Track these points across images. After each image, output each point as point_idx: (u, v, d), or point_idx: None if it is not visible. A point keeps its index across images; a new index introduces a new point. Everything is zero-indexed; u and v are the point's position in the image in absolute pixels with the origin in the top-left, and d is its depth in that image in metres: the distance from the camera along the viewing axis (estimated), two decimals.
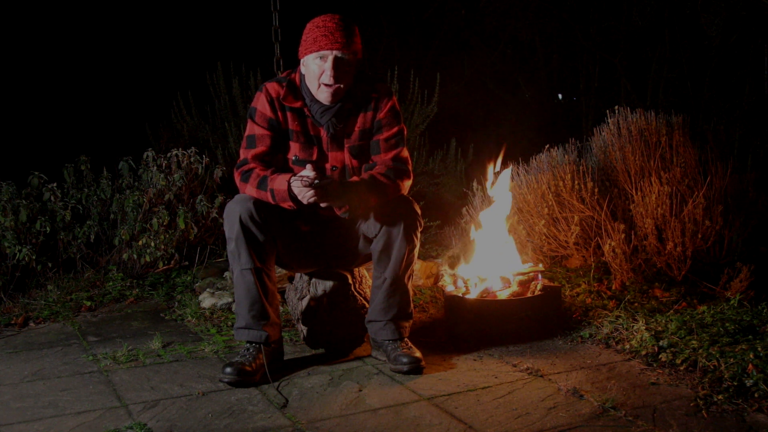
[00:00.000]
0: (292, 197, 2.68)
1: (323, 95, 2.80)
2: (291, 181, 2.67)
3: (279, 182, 2.70)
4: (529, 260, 3.59)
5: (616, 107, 4.11)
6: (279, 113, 2.86)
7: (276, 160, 2.87)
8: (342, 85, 2.79)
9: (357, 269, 3.14)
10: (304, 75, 2.85)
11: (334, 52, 2.73)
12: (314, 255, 2.98)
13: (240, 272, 2.76)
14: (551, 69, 8.66)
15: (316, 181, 2.61)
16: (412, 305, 2.95)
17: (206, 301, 3.78)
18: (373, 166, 2.90)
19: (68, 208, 4.30)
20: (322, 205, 2.70)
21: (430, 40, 8.50)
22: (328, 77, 2.75)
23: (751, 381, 2.46)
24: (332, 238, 2.97)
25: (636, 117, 4.02)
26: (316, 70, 2.77)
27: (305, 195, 2.64)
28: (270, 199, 2.73)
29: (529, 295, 3.26)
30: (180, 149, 4.65)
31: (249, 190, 2.78)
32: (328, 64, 2.74)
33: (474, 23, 8.28)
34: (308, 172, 2.64)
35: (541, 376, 2.74)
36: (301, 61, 2.84)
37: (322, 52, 2.74)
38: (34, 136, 6.75)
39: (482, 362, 2.92)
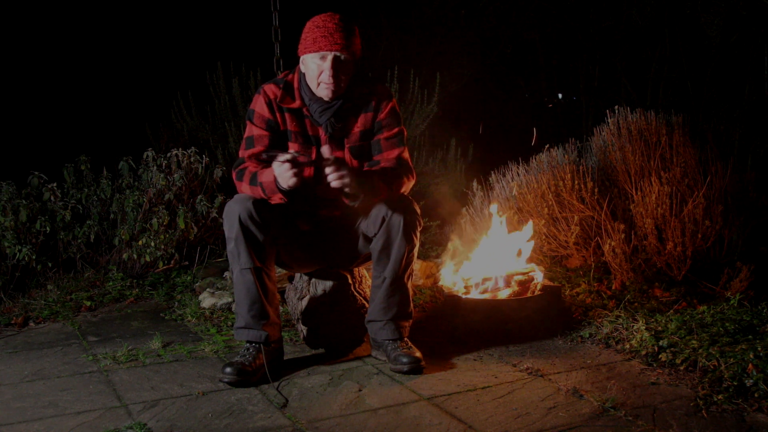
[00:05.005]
0: (280, 189, 2.67)
1: (324, 92, 2.81)
2: (273, 166, 2.63)
3: (266, 175, 2.70)
4: (529, 260, 3.59)
5: (616, 107, 4.11)
6: (277, 114, 2.86)
7: None
8: (342, 84, 2.80)
9: (357, 269, 3.14)
10: (303, 74, 2.86)
11: (334, 53, 2.74)
12: (314, 255, 2.98)
13: (240, 272, 2.76)
14: (551, 69, 8.66)
15: (297, 155, 2.57)
16: (412, 305, 2.95)
17: (206, 301, 3.78)
18: (377, 164, 2.91)
19: (68, 208, 4.30)
20: (334, 184, 2.63)
21: (430, 40, 8.49)
22: (327, 77, 2.76)
23: (751, 381, 2.46)
24: (332, 238, 2.97)
25: (636, 117, 4.02)
26: (316, 70, 2.78)
27: (284, 174, 2.58)
28: (261, 194, 2.73)
29: (529, 295, 3.26)
30: (180, 149, 4.65)
31: (244, 188, 2.79)
32: (327, 64, 2.75)
33: (474, 23, 8.28)
34: (291, 151, 2.63)
35: (541, 376, 2.74)
36: (301, 59, 2.85)
37: (321, 53, 2.75)
38: (34, 136, 6.75)
39: (482, 362, 2.92)
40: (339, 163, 2.64)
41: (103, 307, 3.93)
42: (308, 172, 2.75)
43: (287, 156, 2.58)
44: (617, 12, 7.59)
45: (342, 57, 2.76)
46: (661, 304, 3.37)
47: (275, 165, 2.63)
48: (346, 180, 2.63)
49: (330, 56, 2.75)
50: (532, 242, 3.48)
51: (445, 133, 6.47)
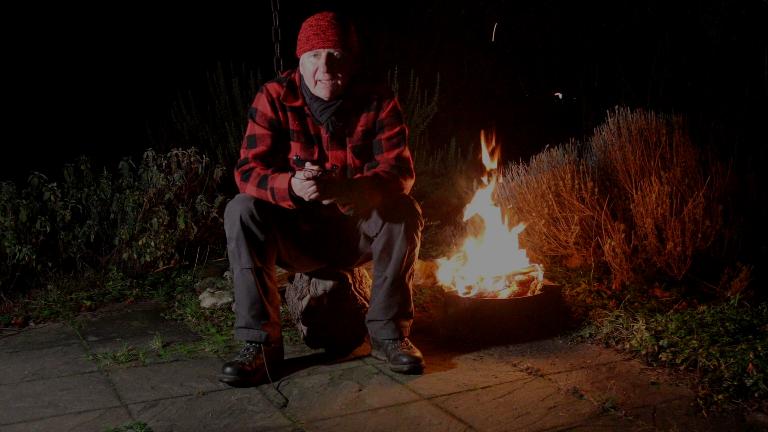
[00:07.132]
0: (292, 197, 2.68)
1: (321, 91, 2.82)
2: (292, 178, 2.66)
3: (279, 181, 2.70)
4: (530, 260, 3.59)
5: (616, 107, 4.11)
6: (280, 113, 2.86)
7: (276, 160, 2.87)
8: (339, 81, 2.80)
9: (357, 269, 3.14)
10: (302, 74, 2.86)
11: (327, 50, 2.76)
12: (315, 254, 2.98)
13: (240, 272, 2.76)
14: (551, 69, 8.66)
15: (319, 173, 2.60)
16: (412, 305, 2.95)
17: (206, 300, 3.78)
18: (376, 164, 2.91)
19: (68, 208, 4.30)
20: (325, 202, 2.68)
21: (430, 40, 8.49)
22: (321, 73, 2.78)
23: (751, 381, 2.46)
24: (333, 238, 2.97)
25: (636, 117, 4.02)
26: (311, 68, 2.80)
27: (307, 190, 2.63)
28: (270, 198, 2.73)
29: (529, 294, 3.26)
30: (180, 149, 4.65)
31: (249, 189, 2.78)
32: (321, 61, 2.77)
33: (474, 23, 8.29)
34: (310, 167, 2.63)
35: (541, 375, 2.74)
36: (300, 60, 2.86)
37: (315, 50, 2.77)
38: (34, 136, 6.75)
39: (482, 362, 2.92)
40: (320, 180, 2.61)
41: (103, 307, 3.93)
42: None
43: (312, 174, 2.59)
44: (617, 12, 7.59)
45: (336, 54, 2.77)
46: (661, 303, 3.37)
47: (296, 180, 2.63)
48: (314, 195, 2.61)
49: (324, 53, 2.76)
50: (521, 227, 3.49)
51: (445, 132, 6.47)
